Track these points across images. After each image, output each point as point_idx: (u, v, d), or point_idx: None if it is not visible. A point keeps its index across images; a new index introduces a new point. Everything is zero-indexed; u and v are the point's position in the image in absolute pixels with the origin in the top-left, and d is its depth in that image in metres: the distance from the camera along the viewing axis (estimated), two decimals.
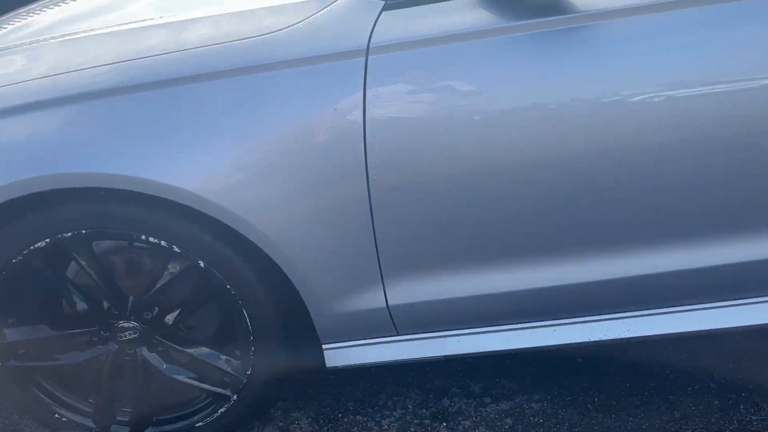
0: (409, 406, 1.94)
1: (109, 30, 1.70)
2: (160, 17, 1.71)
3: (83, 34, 1.73)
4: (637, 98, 1.44)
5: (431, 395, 1.97)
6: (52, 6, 2.12)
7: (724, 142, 1.47)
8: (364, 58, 1.44)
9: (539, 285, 1.64)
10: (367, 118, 1.45)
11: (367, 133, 1.46)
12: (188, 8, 1.78)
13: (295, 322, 1.73)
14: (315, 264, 1.59)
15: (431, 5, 1.47)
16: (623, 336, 1.74)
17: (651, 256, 1.61)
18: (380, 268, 1.62)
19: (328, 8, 1.50)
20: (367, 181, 1.49)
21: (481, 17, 1.46)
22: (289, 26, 1.49)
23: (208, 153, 1.46)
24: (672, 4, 1.42)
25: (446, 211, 1.54)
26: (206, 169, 1.47)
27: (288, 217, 1.52)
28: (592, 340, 1.75)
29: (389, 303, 1.66)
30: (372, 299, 1.66)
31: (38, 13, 2.08)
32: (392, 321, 1.70)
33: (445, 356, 1.79)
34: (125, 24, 1.72)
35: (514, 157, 1.49)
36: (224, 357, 1.75)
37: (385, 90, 1.45)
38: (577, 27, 1.45)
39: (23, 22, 2.02)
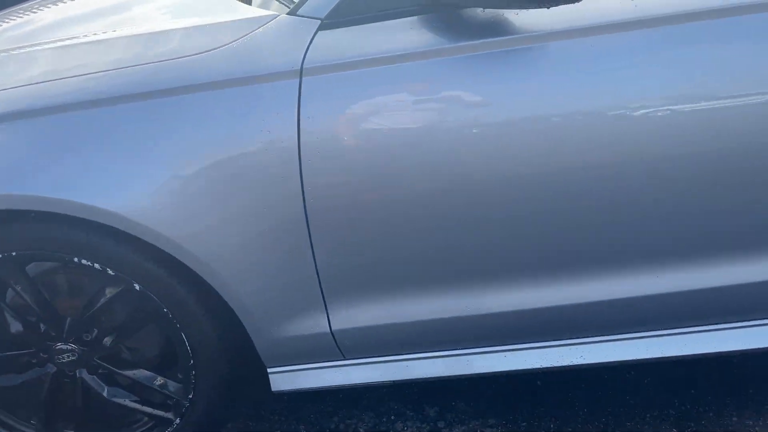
0: (361, 431, 1.89)
1: (37, 48, 1.66)
2: (92, 34, 1.67)
3: (22, 50, 1.69)
4: (576, 119, 1.39)
5: (384, 419, 1.93)
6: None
7: (670, 162, 1.43)
8: (297, 80, 1.40)
9: (487, 311, 1.60)
10: (301, 141, 1.41)
11: (302, 157, 1.41)
12: (125, 25, 1.74)
13: (238, 344, 1.68)
14: (253, 288, 1.54)
15: (370, 25, 1.42)
16: (575, 363, 1.70)
17: (592, 284, 1.57)
18: (322, 293, 1.58)
19: (263, 28, 1.46)
20: (304, 205, 1.45)
21: (420, 38, 1.41)
22: (222, 46, 1.45)
23: (137, 174, 1.42)
24: (611, 26, 1.37)
25: (386, 236, 1.49)
26: (135, 190, 1.42)
27: (223, 241, 1.48)
28: (544, 366, 1.71)
29: (333, 328, 1.62)
30: (315, 324, 1.62)
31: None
32: (337, 346, 1.66)
33: (394, 381, 1.75)
34: (57, 41, 1.68)
35: (457, 182, 1.45)
36: (165, 380, 1.71)
37: (320, 112, 1.40)
38: (519, 49, 1.40)
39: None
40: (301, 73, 1.40)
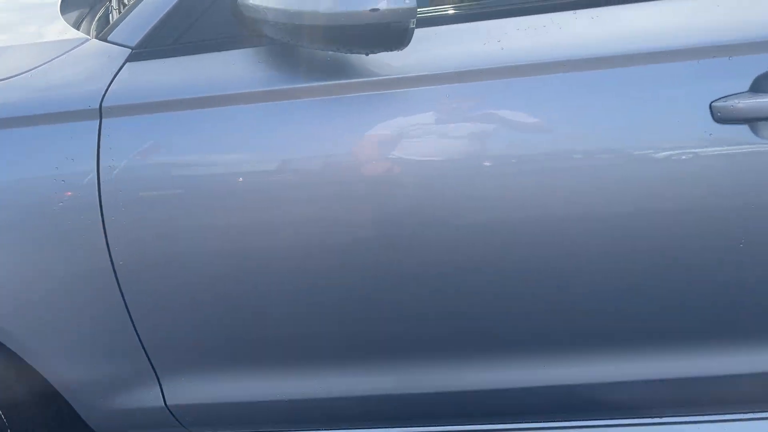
0: None
1: None
2: None
3: None
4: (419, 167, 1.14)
5: None
6: None
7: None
8: (97, 121, 1.15)
9: (339, 395, 1.36)
10: (102, 192, 1.17)
11: (104, 211, 1.17)
12: None
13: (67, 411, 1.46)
14: (67, 356, 1.32)
15: (189, 57, 1.17)
16: None
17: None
18: (152, 365, 1.34)
19: (66, 55, 1.22)
20: (113, 268, 1.21)
21: (243, 76, 1.16)
22: (12, 76, 1.20)
23: None
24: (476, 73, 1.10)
25: (209, 306, 1.25)
26: None
27: (22, 303, 1.25)
28: None
29: (168, 402, 1.39)
30: (148, 397, 1.39)
31: None
32: (177, 420, 1.42)
33: None
34: None
35: (280, 241, 1.19)
36: None
37: (123, 159, 1.16)
38: (363, 95, 1.13)
39: None
40: (100, 112, 1.15)
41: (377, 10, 0.93)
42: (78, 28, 1.38)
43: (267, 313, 1.26)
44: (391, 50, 1.00)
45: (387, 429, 1.40)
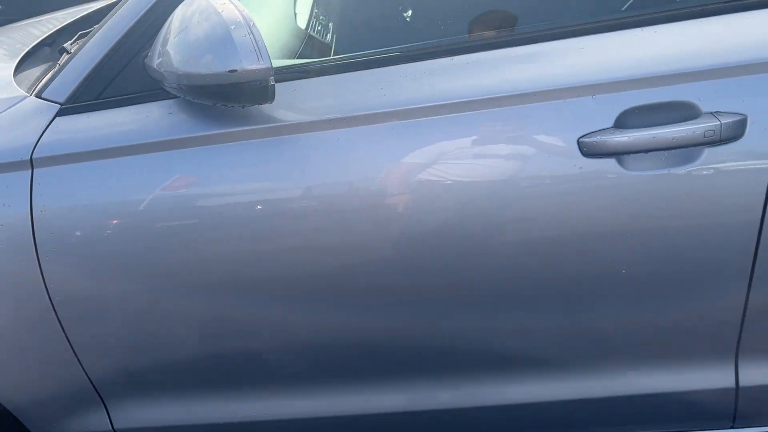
0: None
1: None
2: None
3: None
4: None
5: None
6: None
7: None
8: (29, 171, 1.28)
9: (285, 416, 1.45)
10: (37, 237, 1.28)
11: (39, 254, 1.29)
12: None
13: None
14: (18, 386, 1.43)
15: (114, 110, 1.29)
16: None
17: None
18: (98, 392, 1.45)
19: (5, 111, 1.35)
20: (52, 305, 1.33)
21: (171, 125, 1.27)
22: None
23: None
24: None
25: (145, 336, 1.36)
26: None
27: None
28: None
29: (115, 426, 1.49)
30: (96, 422, 1.50)
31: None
32: None
33: None
34: None
35: (209, 278, 1.30)
36: None
37: (54, 207, 1.28)
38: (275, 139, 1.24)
39: None
40: (32, 163, 1.27)
41: (235, 71, 1.04)
42: (32, 85, 1.51)
43: (211, 337, 1.36)
44: (260, 104, 1.11)
45: None
